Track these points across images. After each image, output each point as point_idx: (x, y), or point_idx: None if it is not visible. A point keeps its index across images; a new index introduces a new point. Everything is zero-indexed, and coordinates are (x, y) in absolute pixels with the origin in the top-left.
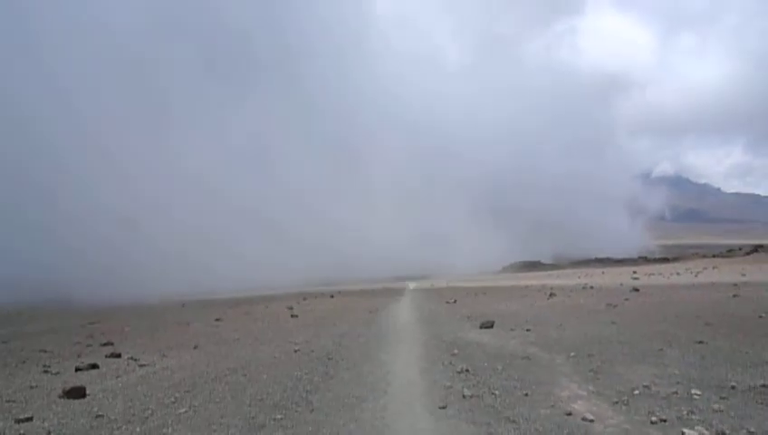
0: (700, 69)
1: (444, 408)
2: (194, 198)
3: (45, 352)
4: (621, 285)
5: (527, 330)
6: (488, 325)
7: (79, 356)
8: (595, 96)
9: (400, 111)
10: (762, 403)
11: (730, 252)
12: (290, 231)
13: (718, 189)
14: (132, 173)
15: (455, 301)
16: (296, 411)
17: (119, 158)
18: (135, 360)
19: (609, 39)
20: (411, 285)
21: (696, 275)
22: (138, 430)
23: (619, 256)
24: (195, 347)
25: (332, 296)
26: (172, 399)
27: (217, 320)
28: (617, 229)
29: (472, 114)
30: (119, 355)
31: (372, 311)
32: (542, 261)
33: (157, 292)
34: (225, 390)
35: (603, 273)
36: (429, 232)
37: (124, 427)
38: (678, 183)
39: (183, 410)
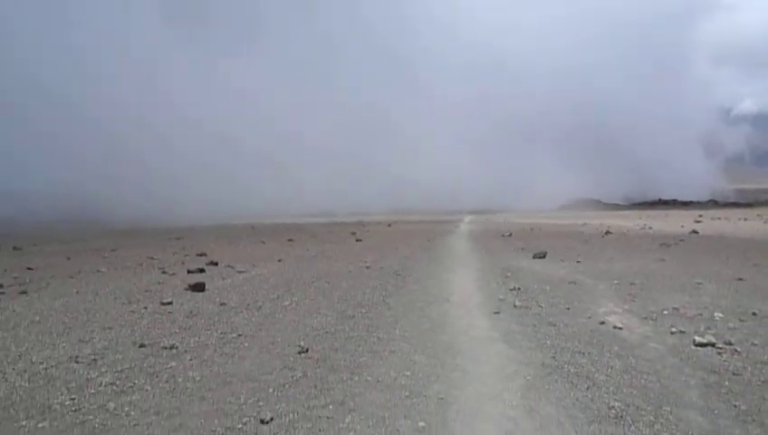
0: None
1: (497, 313)
2: (249, 126)
3: (153, 259)
4: (682, 227)
5: (577, 262)
6: (540, 256)
7: (183, 263)
8: (672, 18)
9: (460, 27)
10: None
11: None
12: (345, 157)
13: None
14: (194, 108)
15: (510, 234)
16: (377, 309)
17: (172, 89)
18: (232, 267)
19: None
20: (467, 219)
21: (765, 222)
22: (256, 313)
23: (688, 199)
24: (279, 260)
25: (390, 225)
26: (275, 296)
27: (290, 240)
28: (690, 169)
29: (536, 29)
30: (216, 263)
31: (430, 239)
32: (603, 200)
33: (220, 215)
34: (315, 291)
35: (667, 215)
36: (489, 162)
37: (245, 312)
38: (762, 122)
39: (287, 302)
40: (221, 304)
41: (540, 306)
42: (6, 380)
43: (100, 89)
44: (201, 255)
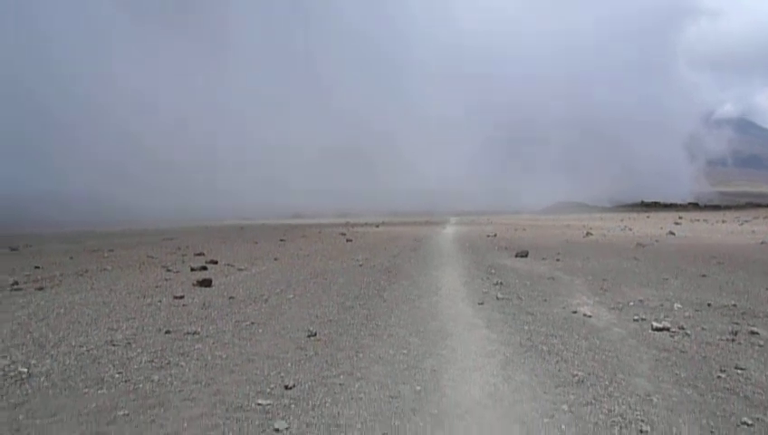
0: None
1: (481, 304)
2: (229, 130)
3: (153, 258)
4: (661, 229)
5: (557, 260)
6: (523, 255)
7: (183, 262)
8: (657, 19)
9: (445, 35)
10: (723, 315)
11: None
12: (330, 160)
13: None
14: (173, 113)
15: (495, 235)
16: (373, 301)
17: (151, 94)
18: (232, 265)
19: None
20: (454, 220)
21: (741, 224)
22: (264, 306)
23: (669, 201)
24: (275, 259)
25: (378, 226)
26: (278, 290)
27: (282, 240)
28: (674, 172)
29: (520, 34)
30: (216, 262)
31: (418, 240)
32: (588, 203)
33: (205, 217)
34: (315, 286)
35: (648, 217)
36: (476, 166)
37: (253, 304)
38: (743, 126)
39: (290, 296)
40: (230, 298)
41: (520, 298)
42: (56, 359)
43: (75, 95)
44: (199, 254)
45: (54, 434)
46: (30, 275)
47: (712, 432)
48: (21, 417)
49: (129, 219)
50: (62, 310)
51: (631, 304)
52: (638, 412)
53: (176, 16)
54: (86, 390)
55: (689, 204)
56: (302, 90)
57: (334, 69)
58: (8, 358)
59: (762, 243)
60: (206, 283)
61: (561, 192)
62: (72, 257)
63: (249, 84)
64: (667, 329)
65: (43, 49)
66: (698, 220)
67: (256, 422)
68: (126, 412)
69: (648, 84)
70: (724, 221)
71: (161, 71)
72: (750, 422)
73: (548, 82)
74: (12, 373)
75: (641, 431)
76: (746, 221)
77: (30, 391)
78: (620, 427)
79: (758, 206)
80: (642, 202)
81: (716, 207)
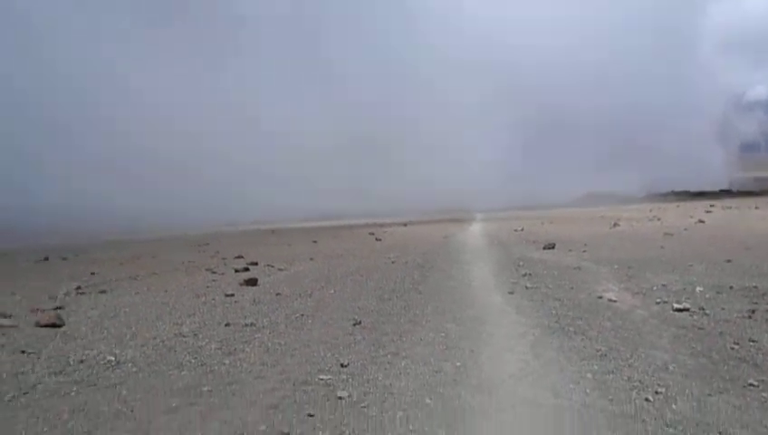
0: None
1: (512, 293)
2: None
3: (195, 262)
4: (691, 217)
5: (584, 251)
6: (550, 247)
7: (225, 264)
8: (680, 6)
9: (455, 16)
10: (744, 296)
11: None
12: (350, 159)
13: None
14: (187, 114)
15: (522, 229)
16: (409, 294)
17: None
18: (272, 266)
19: None
20: (481, 216)
21: None
22: (308, 299)
23: (700, 189)
24: (311, 259)
25: (405, 225)
26: (319, 286)
27: (314, 241)
28: (703, 159)
29: (545, 26)
30: (256, 264)
31: (446, 237)
32: (618, 193)
33: (234, 222)
34: (352, 283)
35: (678, 206)
36: (503, 159)
37: (299, 299)
38: None
39: (331, 291)
40: (276, 294)
41: (547, 287)
42: (137, 350)
43: (76, 98)
44: (238, 257)
45: (157, 404)
46: (88, 280)
47: (720, 393)
48: (124, 392)
49: (156, 227)
50: (127, 309)
51: (655, 288)
52: (655, 378)
53: (177, 13)
54: (170, 372)
55: (721, 191)
56: (314, 82)
57: (345, 58)
58: (95, 350)
59: None
60: (252, 282)
61: (589, 183)
62: (121, 264)
63: (259, 80)
64: (688, 309)
65: (40, 49)
66: (730, 207)
67: (321, 393)
68: (209, 388)
69: (674, 68)
70: (757, 207)
71: (164, 70)
72: (756, 383)
73: (568, 71)
74: (103, 361)
75: (657, 392)
76: None
77: (123, 374)
78: (638, 390)
79: None
80: (673, 191)
81: (750, 193)
